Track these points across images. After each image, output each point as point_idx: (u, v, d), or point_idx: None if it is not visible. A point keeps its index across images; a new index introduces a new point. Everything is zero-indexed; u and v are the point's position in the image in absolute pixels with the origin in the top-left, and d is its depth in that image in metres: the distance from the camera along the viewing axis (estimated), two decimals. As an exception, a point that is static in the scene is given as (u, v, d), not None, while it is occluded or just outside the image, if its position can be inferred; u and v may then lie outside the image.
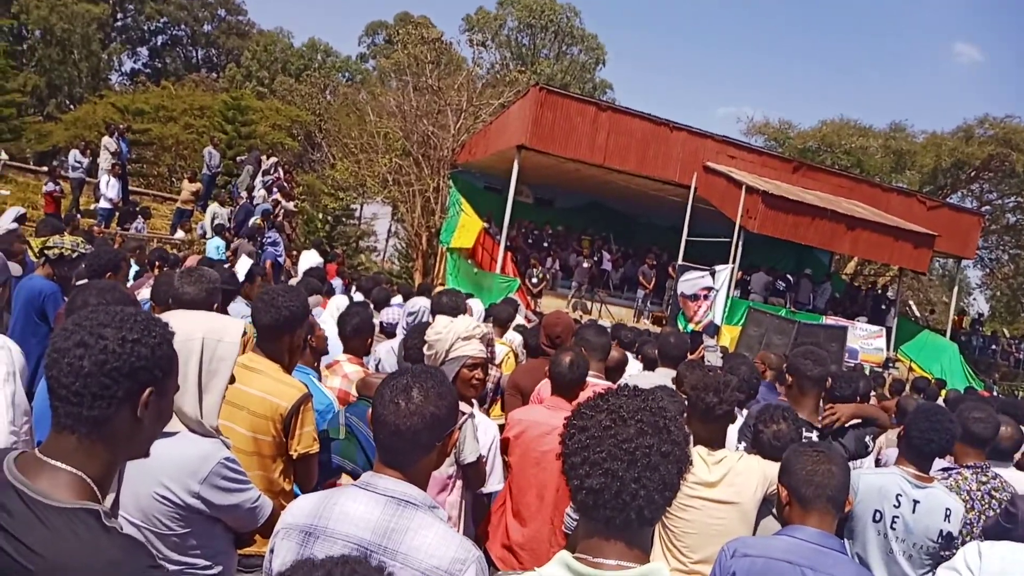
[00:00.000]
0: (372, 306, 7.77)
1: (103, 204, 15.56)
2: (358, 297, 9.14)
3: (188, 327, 2.14)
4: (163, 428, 1.62)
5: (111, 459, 1.48)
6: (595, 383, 3.85)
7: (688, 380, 4.05)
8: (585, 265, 18.17)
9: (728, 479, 2.95)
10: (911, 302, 30.92)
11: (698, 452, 3.05)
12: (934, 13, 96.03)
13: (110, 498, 1.96)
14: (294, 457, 2.73)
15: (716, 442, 3.12)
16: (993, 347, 25.56)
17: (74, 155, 16.40)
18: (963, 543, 2.87)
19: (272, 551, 1.82)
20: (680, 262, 16.69)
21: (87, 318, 1.45)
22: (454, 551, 1.73)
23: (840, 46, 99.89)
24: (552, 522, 3.21)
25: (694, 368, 4.45)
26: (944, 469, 3.77)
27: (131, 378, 1.43)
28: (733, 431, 3.63)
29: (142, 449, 1.57)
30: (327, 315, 6.55)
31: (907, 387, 11.19)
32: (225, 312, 3.20)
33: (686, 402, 3.33)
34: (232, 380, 2.23)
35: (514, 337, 6.45)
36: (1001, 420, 3.99)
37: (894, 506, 3.13)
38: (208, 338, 2.15)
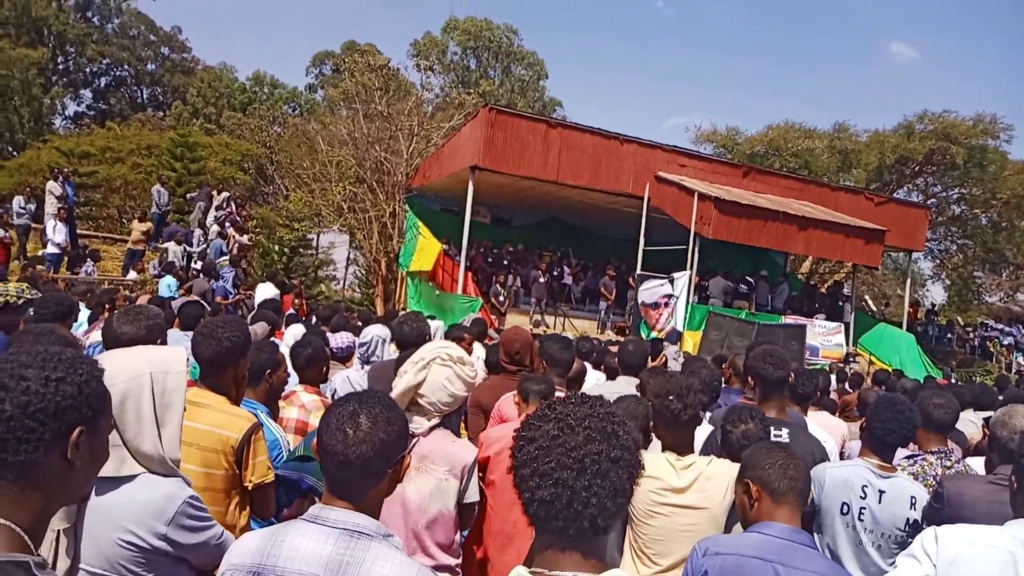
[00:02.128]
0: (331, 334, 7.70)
1: (50, 249, 15.25)
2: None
3: (134, 364, 2.09)
4: (100, 468, 1.54)
5: (43, 506, 1.40)
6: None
7: (651, 387, 4.05)
8: (541, 280, 18.23)
9: (698, 484, 2.94)
10: (866, 297, 31.51)
11: (666, 458, 3.03)
12: (870, 15, 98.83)
13: (64, 563, 1.88)
14: (249, 488, 2.66)
15: (684, 447, 3.11)
16: (948, 335, 26.14)
17: (18, 202, 16.07)
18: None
19: None
20: (639, 272, 16.83)
21: (8, 360, 1.38)
22: None
23: (782, 51, 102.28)
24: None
25: (656, 374, 4.45)
26: (909, 456, 3.81)
27: (58, 419, 1.36)
28: (700, 437, 3.62)
29: (77, 493, 1.49)
30: (283, 346, 6.45)
31: (867, 380, 11.36)
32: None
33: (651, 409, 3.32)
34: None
35: (480, 353, 6.42)
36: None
37: (860, 497, 3.15)
38: (156, 372, 2.10)
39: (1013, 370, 23.27)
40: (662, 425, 3.12)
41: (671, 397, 3.05)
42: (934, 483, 3.58)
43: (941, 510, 2.97)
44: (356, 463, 1.72)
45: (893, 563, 3.01)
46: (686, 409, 3.04)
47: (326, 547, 1.68)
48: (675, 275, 15.89)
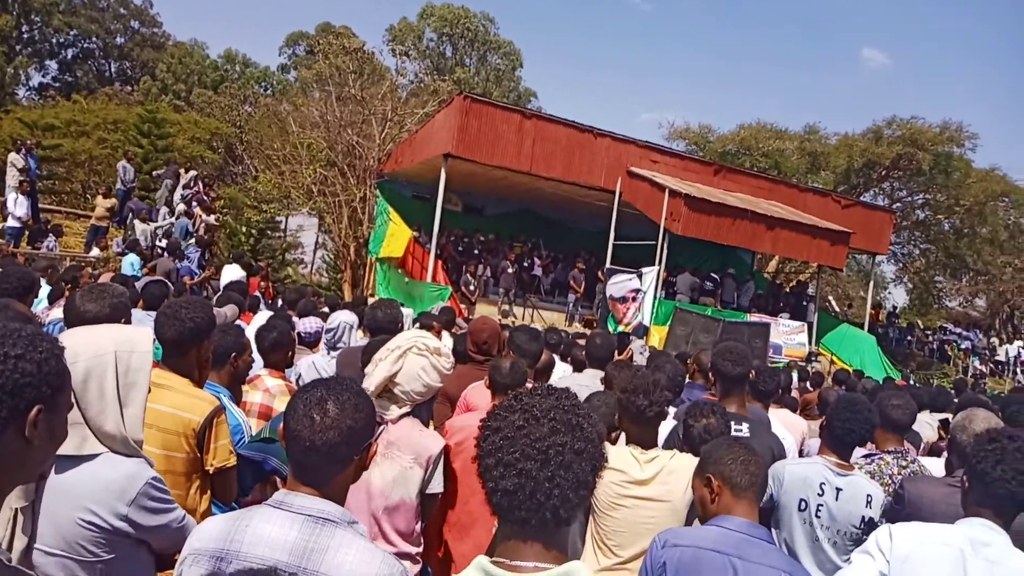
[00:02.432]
0: (298, 318, 7.63)
1: (11, 223, 14.87)
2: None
3: (98, 342, 2.05)
4: (58, 447, 1.52)
5: None
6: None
7: (618, 382, 4.07)
8: (510, 271, 18.24)
9: (660, 477, 2.97)
10: (830, 297, 32.00)
11: (630, 451, 3.06)
12: (844, 20, 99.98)
13: (21, 542, 1.85)
14: (211, 472, 2.62)
15: (648, 441, 3.13)
16: (908, 338, 26.66)
17: (-23, 173, 15.66)
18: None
19: None
20: (608, 266, 16.90)
21: (-34, 337, 1.36)
22: (377, 568, 1.67)
23: (757, 52, 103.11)
24: (491, 530, 3.16)
25: (622, 368, 4.48)
26: (866, 455, 3.88)
27: (16, 396, 1.33)
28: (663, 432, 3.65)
29: (34, 472, 1.47)
30: (249, 330, 6.38)
31: (828, 379, 11.54)
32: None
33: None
34: (148, 390, 2.14)
35: (449, 343, 6.40)
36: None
37: (818, 494, 3.20)
38: (120, 351, 2.06)
39: (969, 374, 23.82)
40: (627, 419, 3.14)
41: (638, 393, 3.06)
42: (890, 482, 3.66)
43: (901, 511, 3.04)
44: (322, 449, 1.71)
45: (848, 559, 3.08)
46: (651, 405, 3.06)
47: (291, 533, 1.67)
48: (643, 270, 16.00)
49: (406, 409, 2.93)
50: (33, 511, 1.88)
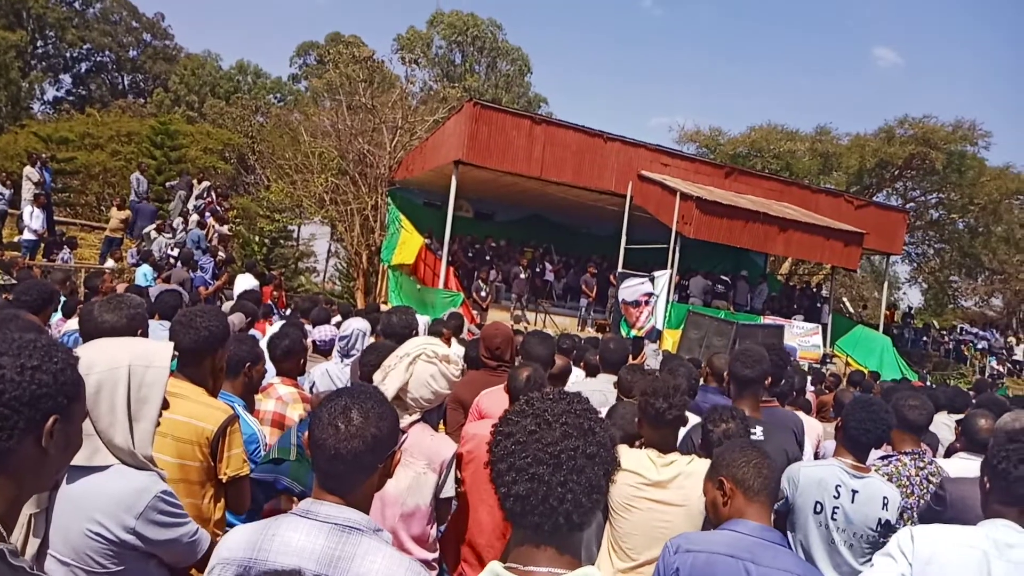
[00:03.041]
0: (312, 327, 7.65)
1: (27, 236, 15.03)
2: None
3: (113, 355, 2.05)
4: (72, 456, 1.53)
5: (15, 494, 1.39)
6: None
7: (639, 385, 4.06)
8: (522, 276, 18.24)
9: (677, 481, 2.96)
10: (844, 299, 31.84)
11: (647, 454, 3.05)
12: (854, 20, 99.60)
13: (33, 545, 1.86)
14: (224, 481, 2.63)
15: (666, 445, 3.11)
16: (924, 339, 26.45)
17: (-6, 187, 15.82)
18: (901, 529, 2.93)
19: None
20: (620, 270, 16.87)
21: (-19, 348, 1.37)
22: (403, 574, 1.68)
23: (767, 53, 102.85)
24: (506, 536, 3.16)
25: (635, 372, 4.46)
26: (883, 457, 3.85)
27: (32, 407, 1.35)
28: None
29: (49, 481, 1.48)
30: (265, 339, 6.41)
31: (843, 381, 11.46)
32: (147, 336, 3.06)
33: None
34: (166, 406, 2.14)
35: (459, 350, 6.40)
36: (980, 413, 4.11)
37: (834, 497, 3.17)
38: (135, 364, 2.05)
39: (987, 374, 23.61)
40: (646, 422, 3.13)
41: (658, 396, 3.05)
42: (908, 483, 3.63)
43: (943, 512, 3.00)
44: (347, 457, 1.73)
45: (866, 562, 3.05)
46: (671, 409, 3.04)
47: (318, 541, 1.69)
48: (656, 273, 15.95)
49: (416, 416, 2.94)
50: (46, 517, 1.89)
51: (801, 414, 5.61)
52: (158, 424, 2.11)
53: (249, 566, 1.69)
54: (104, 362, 2.01)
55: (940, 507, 3.07)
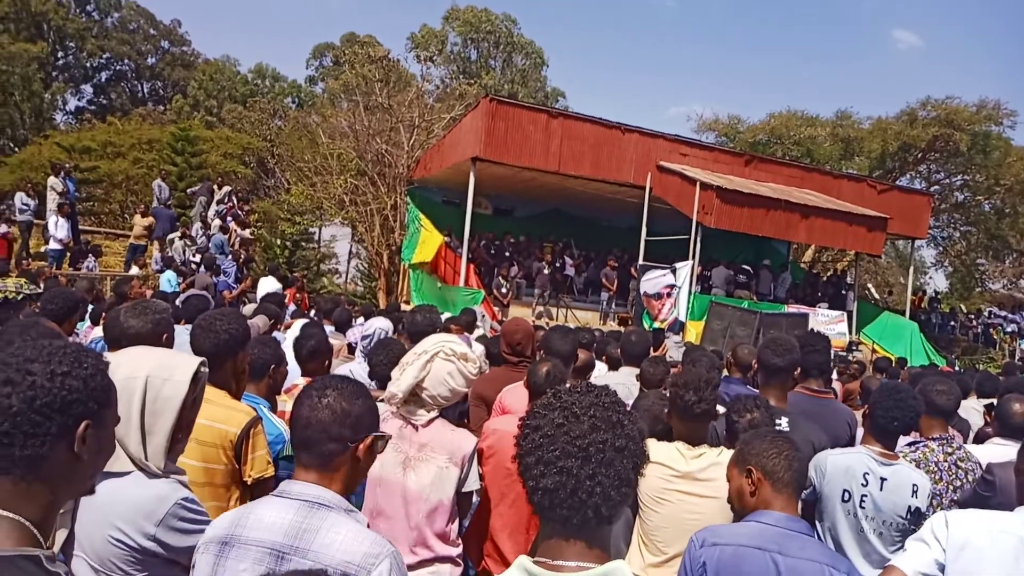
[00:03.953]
0: (334, 327, 7.70)
1: (53, 245, 15.26)
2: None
3: (132, 364, 2.06)
4: (106, 461, 1.56)
5: (51, 500, 1.41)
6: None
7: (670, 377, 4.05)
8: (545, 271, 18.23)
9: (708, 472, 2.94)
10: (869, 285, 31.50)
11: (676, 446, 3.04)
12: (872, 3, 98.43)
13: (62, 537, 1.89)
14: (249, 483, 2.65)
15: (696, 439, 3.10)
16: (952, 323, 26.08)
17: (20, 198, 16.07)
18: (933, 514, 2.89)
19: (194, 566, 1.83)
20: (641, 262, 16.80)
21: (12, 355, 1.39)
22: (367, 547, 1.74)
23: (784, 40, 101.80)
24: (528, 532, 3.16)
25: (657, 364, 4.45)
26: (911, 443, 3.82)
27: (64, 413, 1.36)
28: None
29: (84, 486, 1.50)
30: (287, 339, 6.45)
31: (868, 368, 11.35)
32: (172, 343, 3.08)
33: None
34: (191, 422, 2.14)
35: (477, 348, 6.40)
36: (1014, 397, 4.06)
37: (862, 485, 3.14)
38: (153, 376, 2.04)
39: (1017, 357, 23.25)
40: (675, 415, 3.12)
41: (688, 389, 3.04)
42: (936, 469, 3.59)
43: (992, 498, 2.96)
44: (316, 426, 1.84)
45: (896, 550, 3.02)
46: (700, 402, 3.02)
47: (287, 516, 1.78)
48: (677, 265, 15.88)
49: (434, 413, 2.96)
50: (72, 516, 1.92)
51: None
52: (179, 438, 2.10)
53: (226, 542, 1.79)
54: (122, 371, 2.00)
55: (989, 492, 3.03)
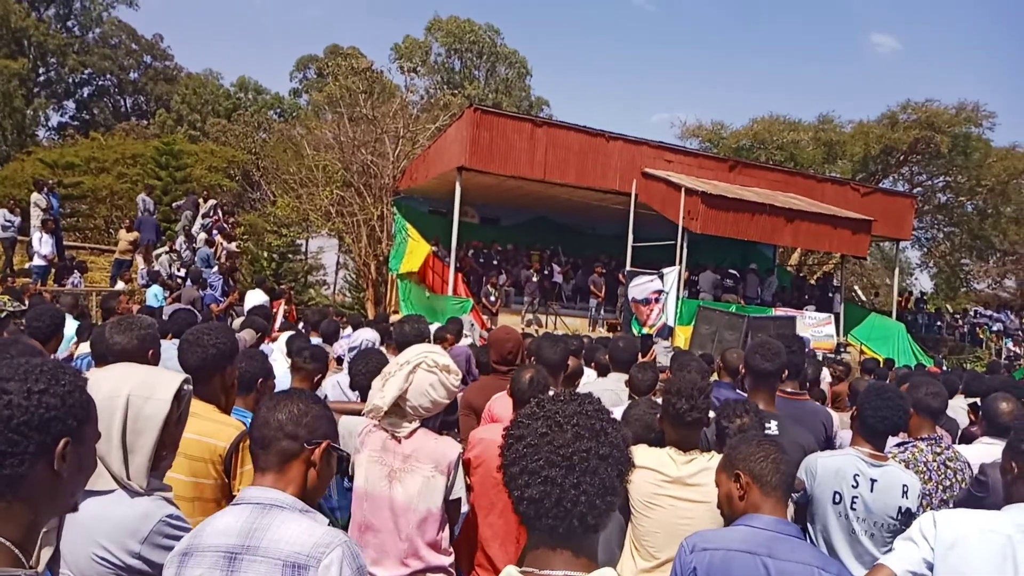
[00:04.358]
0: (322, 339, 7.67)
1: (37, 261, 15.13)
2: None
3: (115, 383, 2.04)
4: (88, 478, 1.54)
5: (32, 519, 1.39)
6: None
7: (667, 384, 4.05)
8: (534, 279, 18.25)
9: (698, 477, 2.93)
10: (856, 287, 31.71)
11: (667, 452, 3.03)
12: (852, 7, 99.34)
13: (47, 555, 1.87)
14: None
15: (687, 446, 3.09)
16: (938, 324, 26.27)
17: (3, 214, 15.91)
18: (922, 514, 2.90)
19: None
20: (628, 268, 16.85)
21: (-11, 375, 1.37)
22: (318, 537, 1.75)
23: (765, 44, 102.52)
24: (518, 542, 3.15)
25: (646, 370, 4.45)
26: (900, 444, 3.83)
27: (42, 431, 1.35)
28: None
29: (66, 503, 1.48)
30: (277, 351, 6.42)
31: (857, 370, 11.39)
32: (158, 358, 3.06)
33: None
34: (176, 440, 2.13)
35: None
36: (1001, 396, 4.08)
37: (852, 486, 3.15)
38: (134, 395, 2.02)
39: (1003, 356, 23.43)
40: (667, 421, 3.11)
41: (681, 396, 3.03)
42: (925, 469, 3.60)
43: (986, 498, 2.97)
44: (273, 423, 1.91)
45: (888, 551, 3.02)
46: (692, 410, 3.01)
47: (240, 519, 1.81)
48: (664, 271, 15.93)
49: (416, 424, 2.96)
50: (58, 533, 1.90)
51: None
52: (163, 456, 2.08)
53: (186, 553, 1.80)
54: (103, 390, 1.98)
55: (983, 493, 3.04)
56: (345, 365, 5.41)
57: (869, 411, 3.28)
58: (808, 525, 3.27)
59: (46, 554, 1.83)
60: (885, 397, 3.30)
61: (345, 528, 2.91)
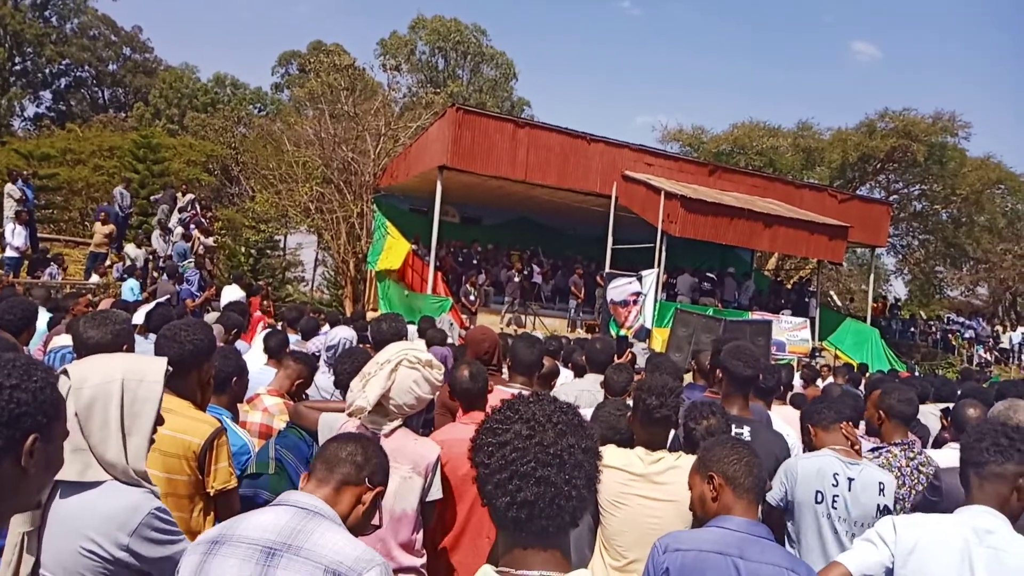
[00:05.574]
0: (300, 336, 7.62)
1: (9, 253, 14.93)
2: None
3: (106, 370, 2.05)
4: (54, 476, 1.53)
5: None
6: (503, 390, 3.83)
7: (639, 383, 4.06)
8: (516, 280, 18.26)
9: (666, 476, 2.95)
10: (832, 292, 32.00)
11: (635, 452, 3.05)
12: (833, 15, 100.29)
13: (29, 562, 1.85)
14: (212, 494, 2.62)
15: (655, 444, 3.10)
16: (912, 329, 26.62)
17: (-25, 205, 15.72)
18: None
19: (178, 571, 1.82)
20: (608, 270, 16.91)
21: (-41, 369, 1.36)
22: (360, 552, 1.77)
23: (747, 50, 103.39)
24: (488, 537, 3.14)
25: (621, 371, 4.47)
26: (874, 449, 3.88)
27: (11, 426, 1.34)
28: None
29: (31, 500, 1.47)
30: (254, 349, 6.38)
31: (830, 375, 11.49)
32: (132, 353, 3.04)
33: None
34: (161, 422, 2.13)
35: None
36: (969, 403, 4.15)
37: (832, 485, 3.21)
38: (128, 379, 2.05)
39: (974, 362, 23.77)
40: (637, 419, 3.13)
41: (651, 393, 3.05)
42: (899, 474, 3.65)
43: (939, 503, 3.02)
44: (348, 449, 2.05)
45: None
46: (661, 407, 3.03)
47: (282, 519, 1.82)
48: (643, 273, 15.98)
49: (398, 423, 2.93)
50: (39, 536, 1.88)
51: (788, 408, 5.64)
52: (153, 440, 2.11)
53: (217, 541, 1.80)
54: (97, 377, 2.01)
55: (936, 497, 3.09)
56: (322, 364, 5.37)
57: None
58: (789, 528, 3.31)
59: (28, 561, 1.81)
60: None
61: None
